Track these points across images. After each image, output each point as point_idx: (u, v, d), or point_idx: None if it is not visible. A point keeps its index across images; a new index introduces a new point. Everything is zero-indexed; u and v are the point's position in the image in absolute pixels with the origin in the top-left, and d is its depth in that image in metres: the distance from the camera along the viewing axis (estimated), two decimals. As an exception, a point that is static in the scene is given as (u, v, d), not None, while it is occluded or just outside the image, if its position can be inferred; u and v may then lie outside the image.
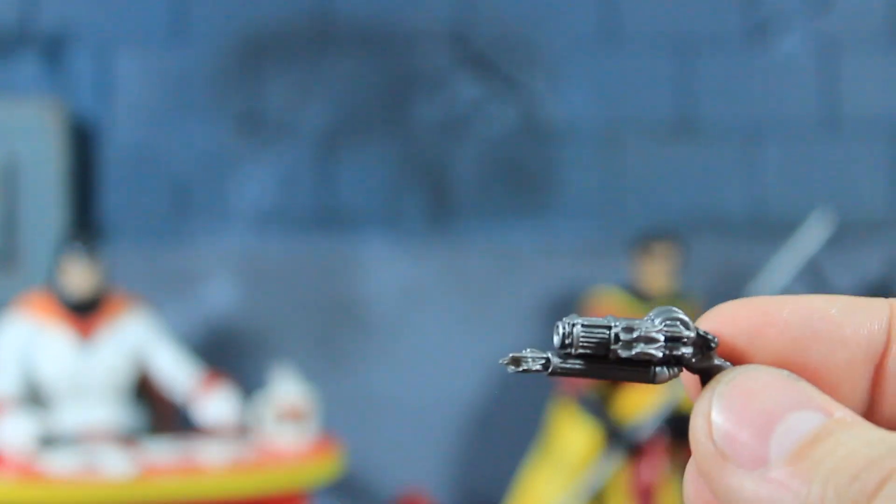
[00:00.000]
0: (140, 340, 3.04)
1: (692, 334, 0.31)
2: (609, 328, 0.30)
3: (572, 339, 0.30)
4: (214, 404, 2.98)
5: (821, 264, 3.54)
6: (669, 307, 0.31)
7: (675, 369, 0.31)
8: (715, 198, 3.77)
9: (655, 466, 3.16)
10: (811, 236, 3.28)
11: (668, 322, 0.31)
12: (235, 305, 3.60)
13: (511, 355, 0.30)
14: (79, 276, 3.01)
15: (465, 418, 3.68)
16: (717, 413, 0.28)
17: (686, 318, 0.31)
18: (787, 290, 3.48)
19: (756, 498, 0.27)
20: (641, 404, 3.19)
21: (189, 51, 3.72)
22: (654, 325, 0.30)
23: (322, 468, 2.88)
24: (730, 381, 0.29)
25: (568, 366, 0.30)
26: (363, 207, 3.74)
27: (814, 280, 3.62)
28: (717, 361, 0.31)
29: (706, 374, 0.31)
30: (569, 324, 0.30)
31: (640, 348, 0.30)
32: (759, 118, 3.79)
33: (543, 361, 0.30)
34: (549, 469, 3.25)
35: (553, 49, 3.78)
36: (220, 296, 3.62)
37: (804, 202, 3.65)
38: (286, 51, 3.74)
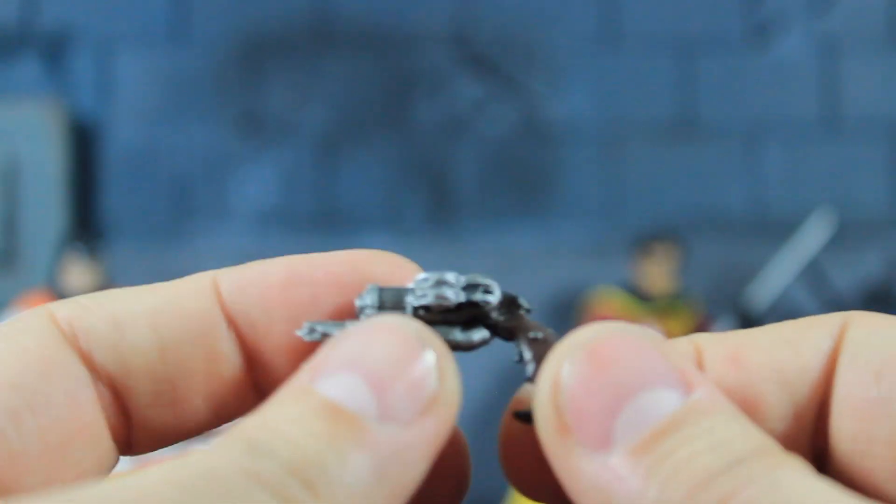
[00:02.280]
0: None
1: (494, 284, 0.28)
2: (404, 290, 0.28)
3: (366, 301, 0.27)
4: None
5: (821, 264, 3.54)
6: (478, 273, 0.28)
7: (484, 331, 0.28)
8: (715, 198, 3.77)
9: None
10: (811, 236, 3.28)
11: (468, 275, 0.28)
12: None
13: (307, 323, 0.27)
14: (79, 276, 3.01)
15: (466, 418, 3.67)
16: (567, 375, 0.24)
17: (490, 280, 0.28)
18: (788, 291, 3.48)
19: (592, 485, 0.23)
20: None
21: (189, 51, 3.73)
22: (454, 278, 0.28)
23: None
24: (587, 340, 0.25)
25: None
26: (364, 208, 3.74)
27: (814, 280, 3.62)
28: (529, 323, 0.28)
29: (517, 336, 0.28)
30: (368, 290, 0.28)
31: (433, 293, 0.27)
32: (759, 118, 3.79)
33: (341, 327, 0.27)
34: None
35: (553, 49, 3.78)
36: (220, 296, 3.61)
37: (804, 202, 3.66)
38: (287, 51, 3.74)
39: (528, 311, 0.29)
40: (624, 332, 0.25)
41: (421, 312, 0.28)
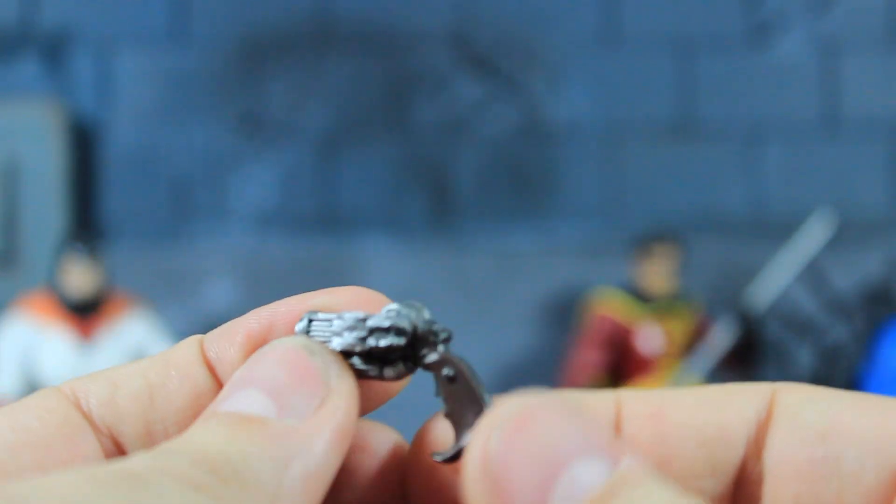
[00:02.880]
0: (140, 341, 3.04)
1: (405, 325, 0.29)
2: (332, 320, 0.29)
3: (301, 331, 0.29)
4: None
5: (821, 264, 3.54)
6: (410, 302, 0.30)
7: (402, 367, 0.30)
8: (715, 198, 3.77)
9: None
10: (811, 237, 3.28)
11: (388, 314, 0.29)
12: (235, 305, 3.60)
13: (306, 314, 0.30)
14: (79, 277, 3.01)
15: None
16: (496, 447, 0.25)
17: (412, 312, 0.29)
18: (788, 291, 3.48)
19: None
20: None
21: (190, 51, 3.73)
22: (367, 316, 0.29)
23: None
24: (512, 412, 0.25)
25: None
26: (364, 208, 3.74)
27: (814, 280, 3.62)
28: (445, 357, 0.29)
29: (438, 372, 0.30)
30: (306, 318, 0.30)
31: (346, 339, 0.29)
32: (759, 118, 3.79)
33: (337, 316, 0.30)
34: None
35: (553, 49, 3.78)
36: (220, 296, 3.62)
37: (804, 202, 3.66)
38: (287, 51, 3.74)
39: (446, 341, 0.30)
40: (545, 403, 0.26)
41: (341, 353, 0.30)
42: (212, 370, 0.30)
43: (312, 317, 0.29)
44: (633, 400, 0.29)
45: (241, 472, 0.24)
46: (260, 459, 0.24)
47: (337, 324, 0.29)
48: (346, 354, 0.29)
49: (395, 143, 3.76)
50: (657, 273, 3.34)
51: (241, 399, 0.26)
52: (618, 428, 0.28)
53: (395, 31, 3.76)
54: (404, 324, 0.29)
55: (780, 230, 3.56)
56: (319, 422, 0.26)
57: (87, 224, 3.64)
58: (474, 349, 3.64)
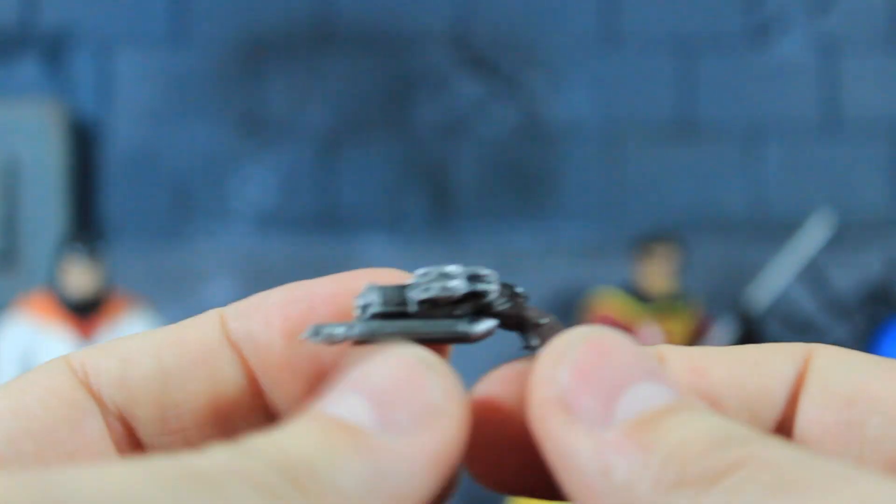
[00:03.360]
0: (140, 341, 3.04)
1: (495, 276, 0.28)
2: (404, 286, 0.28)
3: (370, 299, 0.28)
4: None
5: (821, 264, 3.54)
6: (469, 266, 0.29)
7: (489, 321, 0.28)
8: (715, 198, 3.77)
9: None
10: (811, 237, 3.28)
11: (466, 267, 0.28)
12: (236, 306, 3.59)
13: (312, 325, 0.28)
14: (79, 277, 3.01)
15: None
16: (566, 364, 0.25)
17: (488, 270, 0.29)
18: (788, 290, 3.48)
19: (590, 458, 0.24)
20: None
21: (190, 51, 3.73)
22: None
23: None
24: (584, 335, 0.26)
25: (372, 328, 0.28)
26: (364, 208, 3.74)
27: (814, 280, 3.62)
28: (531, 310, 0.29)
29: (523, 324, 0.29)
30: (366, 287, 0.28)
31: (437, 286, 0.27)
32: (759, 118, 3.79)
33: (345, 328, 0.27)
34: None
35: (553, 49, 3.78)
36: (220, 296, 3.62)
37: (804, 202, 3.66)
38: (287, 51, 3.74)
39: (525, 298, 0.29)
40: (613, 332, 0.26)
41: (426, 307, 0.28)
42: (238, 352, 0.29)
43: (381, 289, 0.28)
44: (674, 353, 0.29)
45: (323, 483, 0.22)
46: (347, 473, 0.23)
47: (417, 285, 0.28)
48: (428, 316, 0.28)
49: (395, 143, 3.76)
50: (657, 273, 3.34)
51: (343, 402, 0.24)
52: None
53: (395, 31, 3.76)
54: (491, 273, 0.28)
55: (780, 230, 3.56)
56: (420, 441, 0.24)
57: (87, 224, 3.64)
58: (474, 349, 3.64)
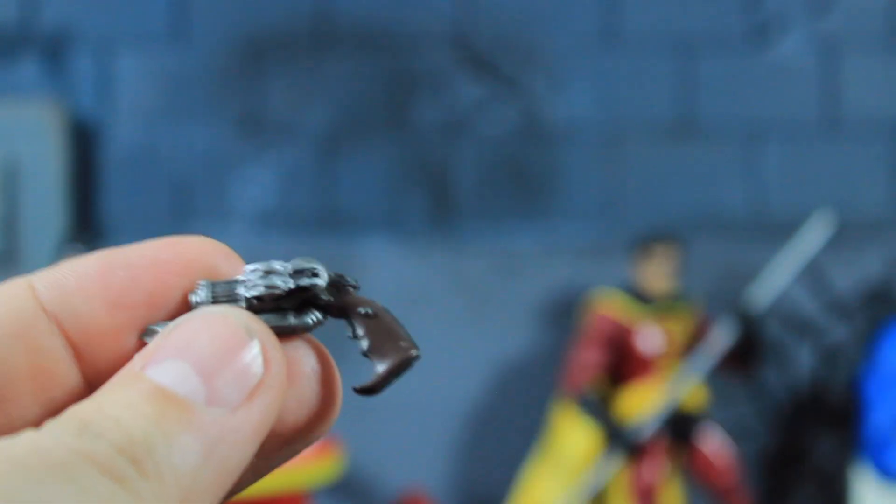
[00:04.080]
0: (140, 341, 3.04)
1: (320, 268, 0.30)
2: (236, 281, 0.29)
3: (199, 298, 0.28)
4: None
5: (821, 264, 3.54)
6: (306, 257, 0.30)
7: (316, 314, 0.30)
8: (715, 198, 3.77)
9: (656, 467, 3.16)
10: (811, 237, 3.28)
11: (294, 260, 0.30)
12: (236, 306, 3.59)
13: (148, 325, 0.29)
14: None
15: (466, 419, 3.68)
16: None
17: (317, 265, 0.30)
18: (788, 291, 3.48)
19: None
20: (642, 405, 3.19)
21: (190, 51, 3.73)
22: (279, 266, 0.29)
23: (322, 469, 2.88)
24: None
25: None
26: (364, 208, 3.74)
27: (814, 280, 3.62)
28: (356, 300, 0.30)
29: (347, 314, 0.30)
30: (201, 285, 0.29)
31: (263, 283, 0.29)
32: (759, 118, 3.79)
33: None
34: (549, 470, 3.25)
35: (553, 49, 3.78)
36: (220, 296, 3.61)
37: (804, 202, 3.65)
38: (287, 51, 3.74)
39: (355, 287, 0.30)
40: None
41: (254, 302, 0.29)
42: (57, 323, 0.28)
43: (212, 284, 0.29)
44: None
45: (162, 464, 0.23)
46: (183, 451, 0.24)
47: (245, 281, 0.29)
48: (255, 311, 0.28)
49: (395, 143, 3.75)
50: (657, 273, 3.34)
51: (171, 370, 0.25)
52: None
53: (395, 31, 3.76)
54: (318, 267, 0.29)
55: (780, 230, 3.56)
56: (246, 416, 0.25)
57: (87, 224, 3.64)
58: (474, 349, 3.64)
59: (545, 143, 3.77)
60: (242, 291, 0.29)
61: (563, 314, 3.62)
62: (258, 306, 0.29)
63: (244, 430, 0.25)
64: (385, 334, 0.30)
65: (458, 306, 3.66)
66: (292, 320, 0.29)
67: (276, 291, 0.29)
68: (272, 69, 3.74)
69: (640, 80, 3.78)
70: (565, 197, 3.77)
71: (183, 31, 3.73)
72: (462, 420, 3.68)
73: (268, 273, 0.29)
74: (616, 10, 3.80)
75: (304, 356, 0.29)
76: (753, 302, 3.25)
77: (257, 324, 0.27)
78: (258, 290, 0.29)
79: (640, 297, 3.32)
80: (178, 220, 3.69)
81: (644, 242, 3.38)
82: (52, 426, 0.23)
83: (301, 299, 0.29)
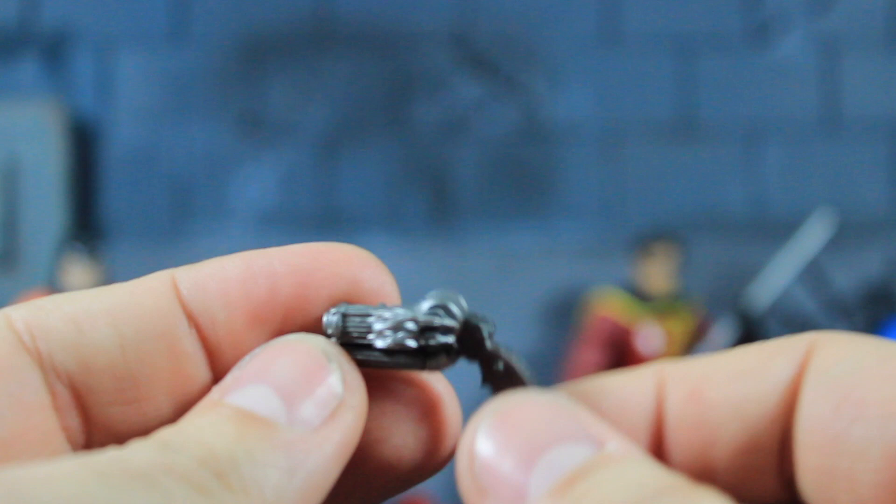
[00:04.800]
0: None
1: (453, 324, 0.29)
2: (369, 315, 0.29)
3: (335, 329, 0.28)
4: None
5: (821, 264, 3.54)
6: (446, 292, 0.29)
7: (445, 357, 0.29)
8: (715, 198, 3.77)
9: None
10: (811, 237, 3.28)
11: (430, 309, 0.29)
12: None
13: (333, 309, 0.28)
14: (79, 277, 3.01)
15: (466, 419, 3.68)
16: (480, 442, 0.25)
17: (454, 305, 0.29)
18: (788, 290, 3.48)
19: None
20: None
21: (190, 51, 3.73)
22: (413, 313, 0.29)
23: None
24: (497, 408, 0.26)
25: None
26: (363, 208, 3.74)
27: (814, 280, 3.62)
28: (492, 352, 0.29)
29: (485, 364, 0.29)
30: (334, 312, 0.28)
31: (391, 338, 0.28)
32: (759, 118, 3.79)
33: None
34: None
35: (553, 49, 3.78)
36: (220, 296, 3.61)
37: (804, 202, 3.66)
38: (287, 51, 3.74)
39: (490, 335, 0.30)
40: (534, 396, 0.26)
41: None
42: (196, 326, 0.28)
43: (346, 311, 0.28)
44: (673, 378, 0.28)
45: (246, 478, 0.23)
46: (267, 466, 0.24)
47: (376, 321, 0.28)
48: (389, 352, 0.28)
49: (395, 143, 3.76)
50: (657, 273, 3.34)
51: (251, 394, 0.25)
52: (661, 413, 0.28)
53: (395, 31, 3.76)
54: (453, 323, 0.29)
55: (780, 230, 3.56)
56: (328, 434, 0.25)
57: (87, 224, 3.64)
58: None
59: (545, 143, 3.77)
60: (373, 339, 0.28)
61: (563, 314, 3.62)
62: (390, 349, 0.29)
63: (326, 449, 0.25)
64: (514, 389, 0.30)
65: (458, 306, 3.66)
66: (419, 362, 0.29)
67: (405, 347, 0.28)
68: (272, 69, 3.74)
69: (639, 80, 3.78)
70: (565, 197, 3.77)
71: (183, 31, 3.73)
72: (462, 420, 3.68)
73: (397, 328, 0.28)
74: (616, 11, 3.80)
75: (406, 390, 0.29)
76: (753, 302, 3.25)
77: (335, 349, 0.27)
78: (388, 343, 0.28)
79: (640, 296, 3.32)
80: (178, 219, 3.69)
81: (644, 242, 3.38)
82: (134, 444, 0.23)
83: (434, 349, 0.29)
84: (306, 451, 0.24)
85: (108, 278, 3.13)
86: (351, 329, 0.28)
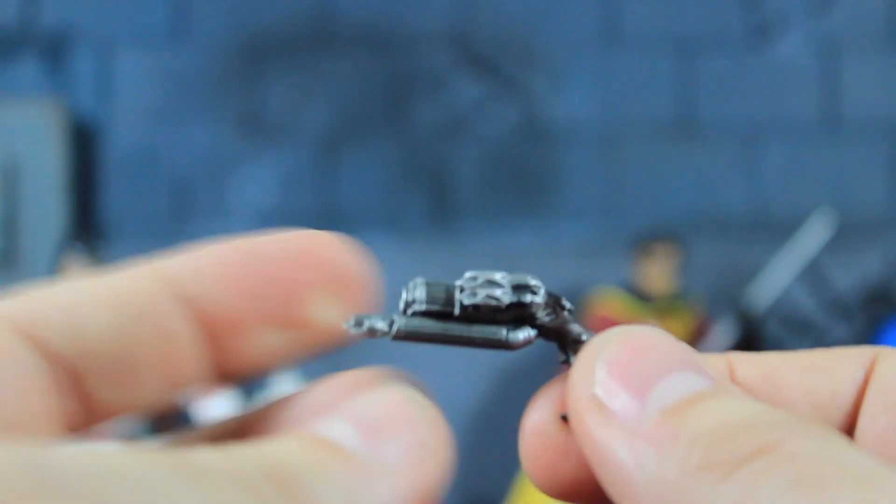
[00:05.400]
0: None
1: (541, 288, 0.29)
2: (453, 284, 0.28)
3: (415, 296, 0.28)
4: (215, 405, 2.98)
5: (821, 264, 3.54)
6: (517, 273, 0.29)
7: (530, 331, 0.29)
8: (715, 198, 3.77)
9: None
10: (812, 237, 3.28)
11: (514, 274, 0.29)
12: (236, 306, 3.60)
13: (354, 315, 0.28)
14: (79, 276, 3.01)
15: (466, 419, 3.68)
16: (601, 363, 0.26)
17: (532, 279, 0.29)
18: (788, 291, 3.48)
19: (625, 453, 0.24)
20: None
21: (190, 51, 3.73)
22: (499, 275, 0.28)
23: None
24: (618, 335, 0.26)
25: (414, 325, 0.28)
26: (364, 208, 3.74)
27: (814, 280, 3.62)
28: (573, 325, 0.29)
29: (563, 338, 0.29)
30: (413, 283, 0.28)
31: (483, 293, 0.28)
32: (759, 118, 3.79)
33: (389, 321, 0.28)
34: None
35: (553, 49, 3.78)
36: (220, 296, 3.62)
37: (804, 202, 3.66)
38: (287, 51, 3.74)
39: (570, 311, 0.30)
40: (651, 330, 0.27)
41: (469, 310, 0.28)
42: (191, 308, 0.28)
43: (427, 283, 0.28)
44: (744, 361, 0.29)
45: (307, 492, 0.22)
46: (331, 486, 0.23)
47: (463, 287, 0.28)
48: (470, 320, 0.27)
49: (395, 143, 3.76)
50: (657, 273, 3.34)
51: (328, 425, 0.24)
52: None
53: (395, 31, 3.77)
54: (539, 284, 0.29)
55: (780, 230, 3.56)
56: (407, 477, 0.24)
57: (87, 224, 3.64)
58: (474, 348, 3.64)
59: (545, 142, 3.77)
60: (460, 297, 0.28)
61: (563, 314, 3.62)
62: (473, 315, 0.28)
63: (401, 490, 0.24)
64: None
65: (458, 306, 3.66)
66: (505, 334, 0.29)
67: (496, 303, 0.28)
68: (272, 69, 3.74)
69: (640, 80, 3.78)
70: (565, 196, 3.77)
71: (183, 31, 3.73)
72: (462, 420, 3.68)
73: (489, 283, 0.28)
74: (616, 10, 3.80)
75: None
76: (753, 302, 3.25)
77: (424, 399, 0.26)
78: (477, 299, 0.28)
79: (640, 296, 3.32)
80: (178, 219, 3.69)
81: (644, 242, 3.38)
82: (200, 448, 0.22)
83: (517, 315, 0.29)
84: (377, 484, 0.23)
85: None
86: (437, 296, 0.28)
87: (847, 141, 3.79)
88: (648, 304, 3.30)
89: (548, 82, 3.78)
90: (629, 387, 0.25)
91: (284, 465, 0.22)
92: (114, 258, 3.31)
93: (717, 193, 3.77)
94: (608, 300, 3.33)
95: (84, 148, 3.69)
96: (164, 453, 0.21)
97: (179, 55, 3.73)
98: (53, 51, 3.71)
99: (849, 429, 0.28)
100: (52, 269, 3.13)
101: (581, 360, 0.27)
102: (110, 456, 0.20)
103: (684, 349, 0.26)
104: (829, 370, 0.28)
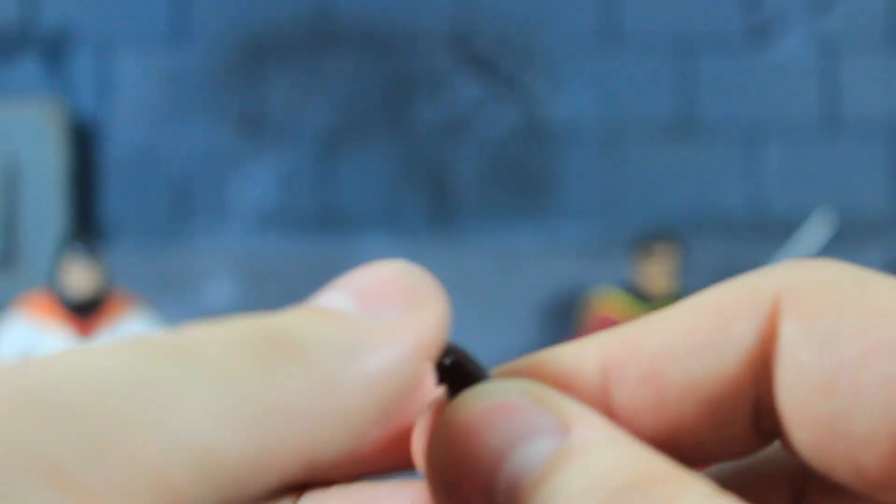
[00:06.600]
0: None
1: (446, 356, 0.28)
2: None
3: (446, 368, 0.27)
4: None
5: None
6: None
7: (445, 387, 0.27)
8: (715, 198, 3.77)
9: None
10: (811, 236, 3.28)
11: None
12: (235, 305, 3.60)
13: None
14: (79, 277, 3.01)
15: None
16: (442, 449, 0.23)
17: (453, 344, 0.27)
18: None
19: None
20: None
21: (190, 51, 3.73)
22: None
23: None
24: (458, 409, 0.24)
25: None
26: (364, 208, 3.74)
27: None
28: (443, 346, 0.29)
29: (438, 362, 0.29)
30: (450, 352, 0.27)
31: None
32: (759, 118, 3.79)
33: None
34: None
35: (553, 49, 3.78)
36: (220, 296, 3.62)
37: (804, 202, 3.66)
38: (287, 51, 3.74)
39: (448, 364, 0.29)
40: (492, 390, 0.24)
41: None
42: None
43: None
44: (620, 358, 0.25)
45: (303, 347, 0.21)
46: (326, 341, 0.22)
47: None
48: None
49: (395, 143, 3.76)
50: (657, 273, 3.34)
51: (325, 297, 0.24)
52: (607, 395, 0.25)
53: (395, 31, 3.76)
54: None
55: (780, 230, 3.56)
56: (402, 329, 0.23)
57: (87, 224, 3.64)
58: (474, 349, 3.64)
59: (545, 142, 3.77)
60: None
61: (563, 313, 3.62)
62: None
63: (399, 342, 0.22)
64: (467, 385, 0.28)
65: (458, 305, 3.65)
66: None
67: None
68: (272, 69, 3.74)
69: (640, 80, 3.78)
70: (565, 196, 3.77)
71: (183, 31, 3.73)
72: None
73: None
74: (616, 10, 3.80)
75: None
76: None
77: (419, 270, 0.25)
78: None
79: (640, 296, 3.32)
80: (178, 219, 3.69)
81: (644, 242, 3.38)
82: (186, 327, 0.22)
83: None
84: (375, 338, 0.22)
85: (108, 278, 3.13)
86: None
87: (847, 141, 3.79)
88: (648, 304, 3.30)
89: (548, 82, 3.78)
90: (476, 474, 0.22)
91: (282, 329, 0.22)
92: (114, 258, 3.31)
93: (717, 193, 3.77)
94: (608, 300, 3.33)
95: (84, 148, 3.69)
96: (151, 339, 0.20)
97: (179, 55, 3.73)
98: (53, 51, 3.71)
99: (755, 405, 0.24)
100: (52, 269, 3.13)
101: (426, 444, 0.24)
102: (97, 351, 0.20)
103: (523, 405, 0.23)
104: (714, 346, 0.24)
